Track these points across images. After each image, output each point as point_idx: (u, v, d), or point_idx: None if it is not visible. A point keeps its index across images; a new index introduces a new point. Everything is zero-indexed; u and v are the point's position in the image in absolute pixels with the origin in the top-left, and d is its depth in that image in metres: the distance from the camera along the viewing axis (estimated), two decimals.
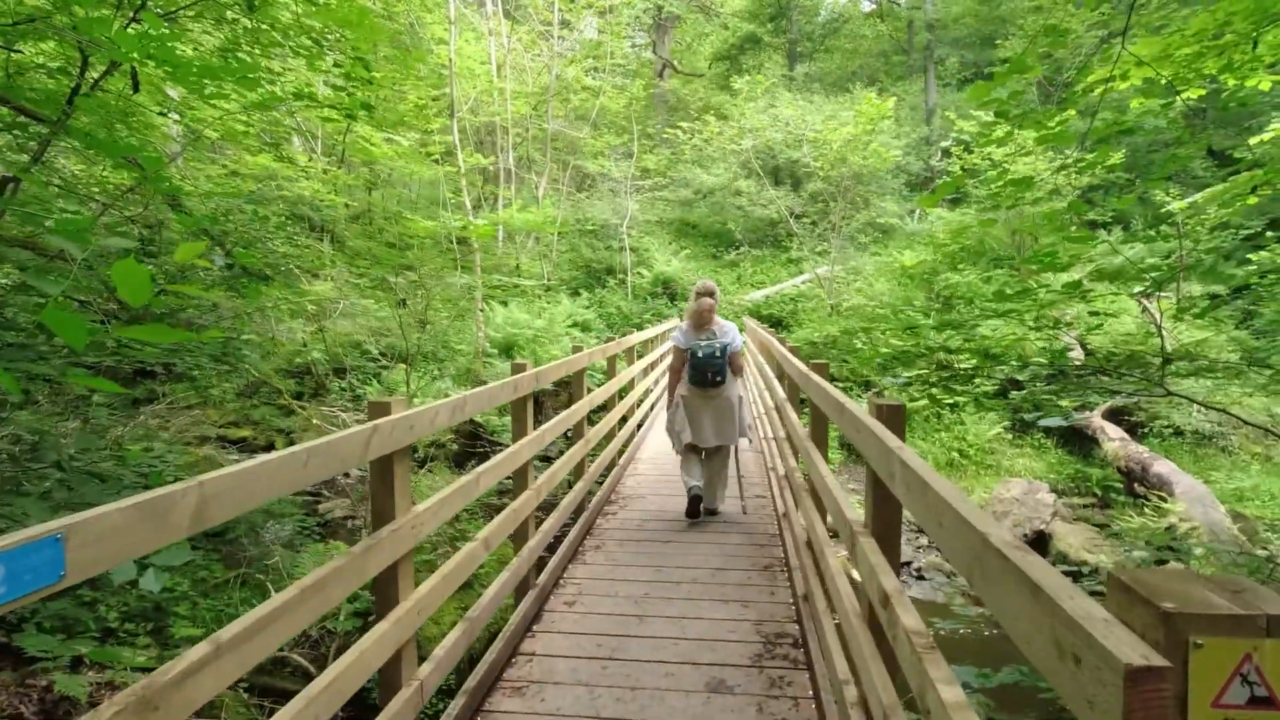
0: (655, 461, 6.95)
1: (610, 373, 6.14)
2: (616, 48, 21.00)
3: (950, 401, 9.50)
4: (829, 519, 3.21)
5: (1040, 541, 7.25)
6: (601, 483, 5.82)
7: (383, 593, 2.04)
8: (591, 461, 5.21)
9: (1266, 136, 5.79)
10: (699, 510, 4.86)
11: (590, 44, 20.88)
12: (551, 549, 4.21)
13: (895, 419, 1.79)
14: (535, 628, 3.30)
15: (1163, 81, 4.50)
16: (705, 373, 4.64)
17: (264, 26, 3.71)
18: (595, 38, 21.02)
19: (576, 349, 4.78)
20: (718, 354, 4.63)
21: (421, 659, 2.47)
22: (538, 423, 3.79)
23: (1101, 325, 8.44)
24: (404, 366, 13.07)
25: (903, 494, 1.34)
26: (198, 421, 8.81)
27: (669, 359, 6.15)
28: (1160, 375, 3.44)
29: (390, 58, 15.47)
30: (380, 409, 1.97)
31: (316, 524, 7.63)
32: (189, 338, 1.48)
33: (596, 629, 3.30)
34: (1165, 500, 6.87)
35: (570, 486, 4.91)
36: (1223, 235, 12.01)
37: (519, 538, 3.43)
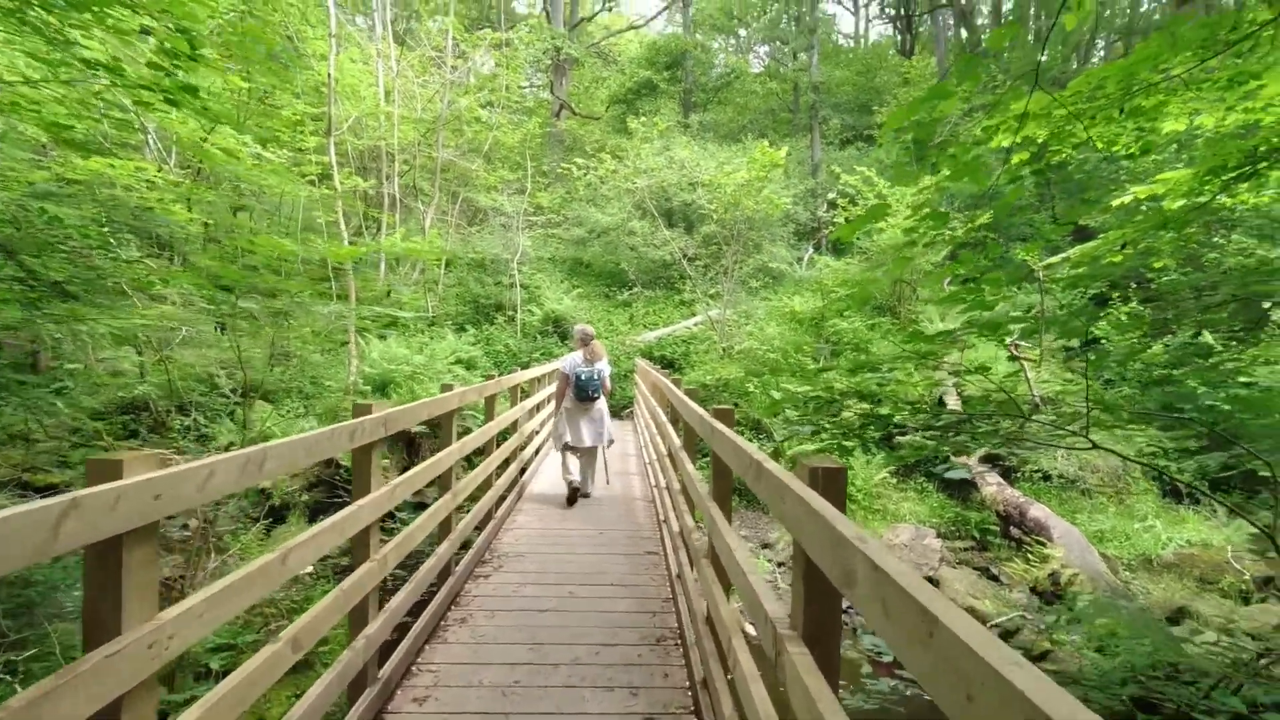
0: (539, 513, 6.31)
1: (489, 415, 5.51)
2: (513, 82, 20.68)
3: (850, 445, 9.48)
4: (731, 585, 2.76)
5: None
6: (475, 540, 5.14)
7: None
8: (462, 517, 4.55)
9: (1128, 199, 6.13)
10: (576, 498, 6.55)
11: (485, 77, 20.43)
12: (416, 612, 3.52)
13: (834, 486, 1.37)
14: None
15: (1039, 140, 4.58)
16: (586, 390, 6.31)
17: None
18: (491, 70, 20.60)
19: (446, 388, 4.16)
20: (595, 377, 6.35)
21: None
22: (403, 472, 3.15)
23: (1019, 371, 8.72)
24: (263, 403, 11.77)
25: (876, 616, 0.89)
26: None
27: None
28: (1085, 427, 3.34)
29: (264, 69, 14.32)
30: (105, 470, 1.33)
31: None
32: None
33: None
34: (1045, 545, 7.01)
35: (439, 544, 4.22)
36: (1073, 294, 13.06)
37: (357, 621, 2.74)
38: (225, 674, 4.08)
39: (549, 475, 8.10)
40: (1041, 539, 7.24)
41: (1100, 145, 5.01)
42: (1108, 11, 25.77)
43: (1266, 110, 4.78)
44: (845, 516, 1.16)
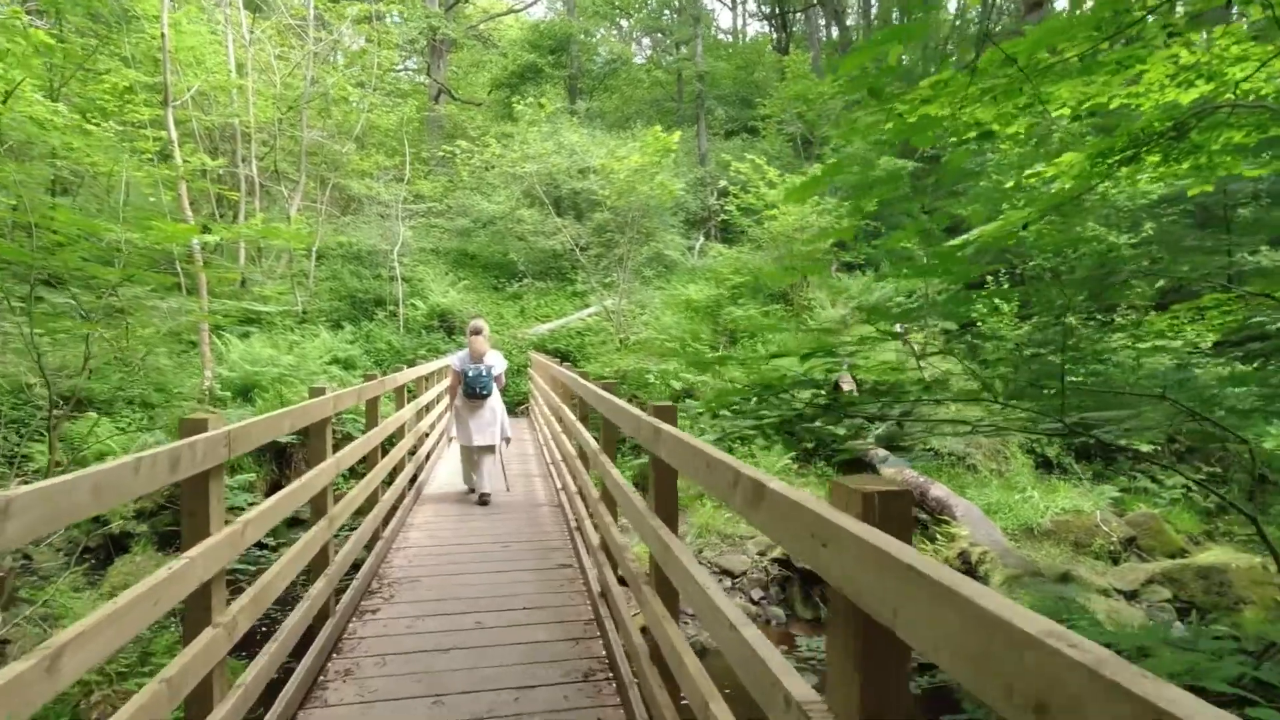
0: (435, 526, 5.61)
1: (371, 420, 4.78)
2: (385, 60, 19.20)
3: (793, 439, 9.42)
4: (701, 623, 2.33)
5: None
6: (362, 564, 4.42)
7: None
8: (342, 545, 3.85)
9: (1022, 181, 6.23)
10: (472, 495, 6.47)
11: (354, 53, 18.83)
12: (298, 653, 2.82)
13: (900, 518, 0.94)
14: None
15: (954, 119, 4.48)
16: (474, 387, 6.21)
17: None
18: (362, 46, 18.98)
19: (317, 391, 3.46)
20: (484, 374, 6.24)
21: None
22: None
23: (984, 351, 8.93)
24: (94, 415, 10.23)
25: None
26: None
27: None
28: (1060, 409, 3.19)
29: (83, 29, 12.38)
30: None
31: None
32: None
33: None
34: (950, 523, 7.13)
35: (314, 582, 3.50)
36: (946, 279, 13.73)
37: (197, 710, 2.06)
38: None
39: (443, 480, 7.38)
40: (944, 518, 7.37)
41: (997, 128, 5.00)
42: (959, 22, 27.80)
43: (1146, 96, 4.92)
44: (991, 590, 0.73)
